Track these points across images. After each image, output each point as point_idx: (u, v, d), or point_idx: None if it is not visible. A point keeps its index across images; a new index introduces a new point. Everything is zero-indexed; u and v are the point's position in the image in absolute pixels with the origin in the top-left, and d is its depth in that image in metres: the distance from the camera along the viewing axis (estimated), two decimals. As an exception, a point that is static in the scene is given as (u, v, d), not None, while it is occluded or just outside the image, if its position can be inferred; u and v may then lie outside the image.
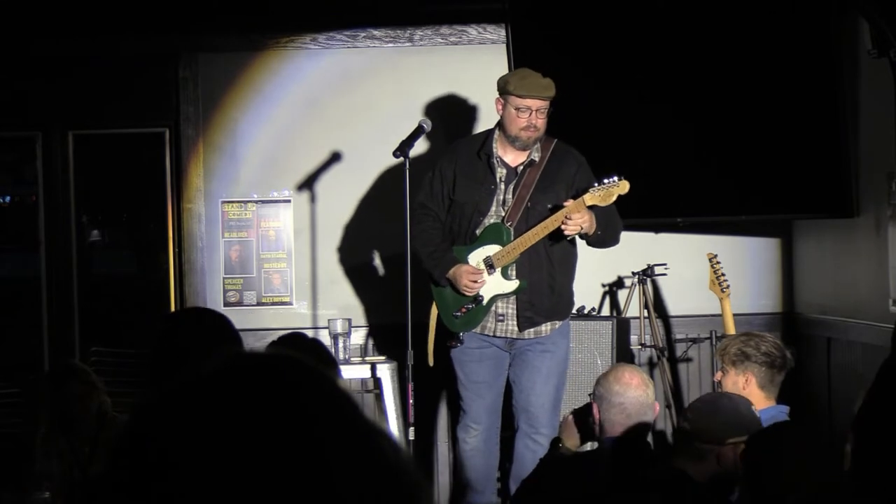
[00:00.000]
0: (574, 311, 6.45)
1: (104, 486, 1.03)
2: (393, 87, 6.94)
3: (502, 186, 5.53)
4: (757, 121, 6.30)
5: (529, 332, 5.54)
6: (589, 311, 6.50)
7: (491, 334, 5.57)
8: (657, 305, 6.85)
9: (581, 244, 5.67)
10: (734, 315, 6.21)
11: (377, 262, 6.91)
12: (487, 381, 5.61)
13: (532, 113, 5.42)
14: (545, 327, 5.55)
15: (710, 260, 6.28)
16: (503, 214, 5.51)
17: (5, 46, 6.89)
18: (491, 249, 5.50)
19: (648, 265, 6.62)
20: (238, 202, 7.00)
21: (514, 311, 5.52)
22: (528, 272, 5.49)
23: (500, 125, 5.56)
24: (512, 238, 5.47)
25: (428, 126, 5.68)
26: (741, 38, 6.28)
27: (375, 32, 6.96)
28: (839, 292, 6.42)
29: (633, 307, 6.67)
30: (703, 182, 6.42)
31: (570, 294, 5.65)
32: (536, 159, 5.52)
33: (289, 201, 6.99)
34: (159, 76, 6.99)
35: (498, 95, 5.53)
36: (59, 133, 7.07)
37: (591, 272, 6.92)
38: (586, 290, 6.84)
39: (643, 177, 6.37)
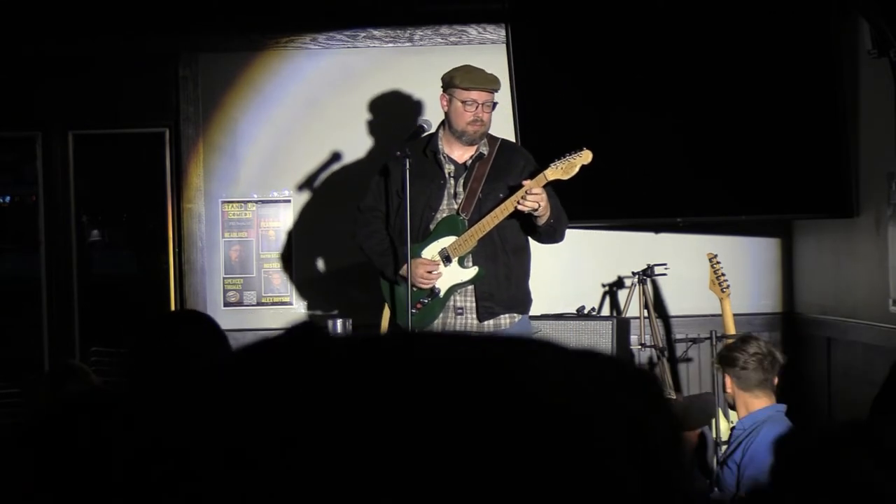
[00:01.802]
0: (574, 310, 6.46)
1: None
2: (393, 87, 6.94)
3: (451, 181, 5.49)
4: (757, 121, 6.30)
5: (489, 325, 5.44)
6: (589, 311, 6.50)
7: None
8: (657, 305, 6.85)
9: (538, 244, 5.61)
10: (734, 315, 6.21)
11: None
12: None
13: (478, 106, 5.39)
14: (504, 319, 5.45)
15: (710, 260, 6.29)
16: (456, 207, 5.46)
17: (5, 47, 6.90)
18: (446, 241, 5.45)
19: (648, 265, 6.61)
20: (238, 202, 7.00)
21: (473, 304, 5.44)
22: (485, 262, 5.42)
23: (444, 123, 5.54)
24: (467, 228, 5.43)
25: (428, 126, 5.67)
26: (741, 38, 6.28)
27: (375, 32, 6.96)
28: (839, 292, 6.42)
29: (633, 307, 6.67)
30: (703, 182, 6.42)
31: (527, 288, 5.55)
32: (485, 153, 5.49)
33: (289, 201, 6.99)
34: (159, 76, 7.00)
35: (442, 91, 5.50)
36: (59, 133, 7.08)
37: (591, 272, 6.92)
38: (586, 290, 6.85)
39: (643, 177, 6.38)
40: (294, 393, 0.91)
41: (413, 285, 5.43)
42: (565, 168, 5.26)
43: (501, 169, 5.48)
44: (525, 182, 5.26)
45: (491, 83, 5.43)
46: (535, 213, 5.25)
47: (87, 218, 8.08)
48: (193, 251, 6.99)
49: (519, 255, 5.51)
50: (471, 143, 5.47)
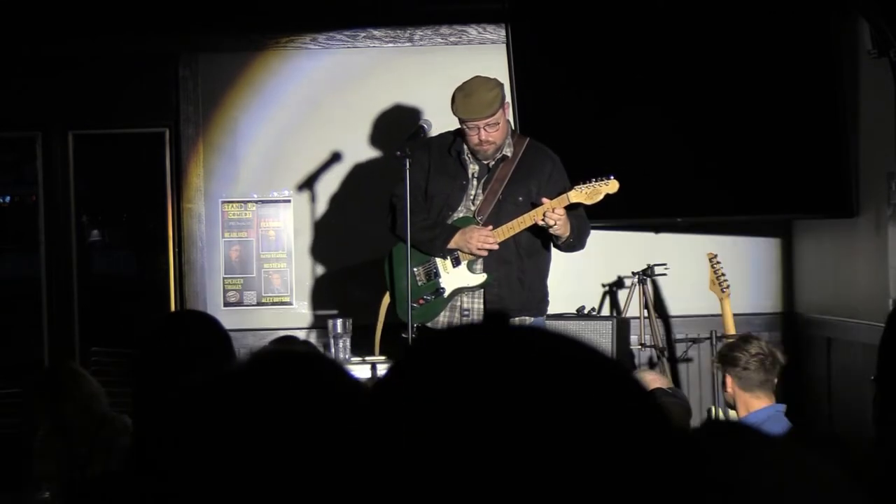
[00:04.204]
0: (574, 310, 6.46)
1: (126, 484, 1.03)
2: (393, 87, 6.94)
3: (474, 182, 5.48)
4: (757, 121, 6.30)
5: None
6: (589, 311, 6.50)
7: None
8: (657, 305, 6.85)
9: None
10: (734, 315, 6.21)
11: (377, 261, 6.90)
12: None
13: (480, 130, 5.35)
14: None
15: (710, 260, 6.28)
16: (473, 209, 5.45)
17: (6, 47, 6.90)
18: None
19: (648, 265, 6.61)
20: (238, 202, 7.00)
21: (481, 307, 5.43)
22: (497, 266, 5.41)
23: None
24: None
25: (428, 126, 5.66)
26: (742, 38, 6.28)
27: (375, 32, 6.96)
28: (839, 292, 6.42)
29: (633, 307, 6.67)
30: (703, 182, 6.42)
31: (543, 290, 5.54)
32: (509, 154, 5.47)
33: (289, 201, 6.99)
34: (159, 76, 6.99)
35: None
36: (59, 133, 7.07)
37: (591, 272, 6.92)
38: (586, 290, 6.84)
39: (643, 177, 6.38)
40: None
41: (467, 251, 5.36)
42: (590, 193, 5.27)
43: (526, 171, 5.45)
44: (545, 200, 5.26)
45: (485, 109, 5.32)
46: (553, 232, 5.25)
47: (87, 218, 8.08)
48: (193, 251, 6.99)
49: (535, 258, 5.49)
50: (486, 158, 5.45)
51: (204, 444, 1.00)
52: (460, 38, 6.95)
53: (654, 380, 4.26)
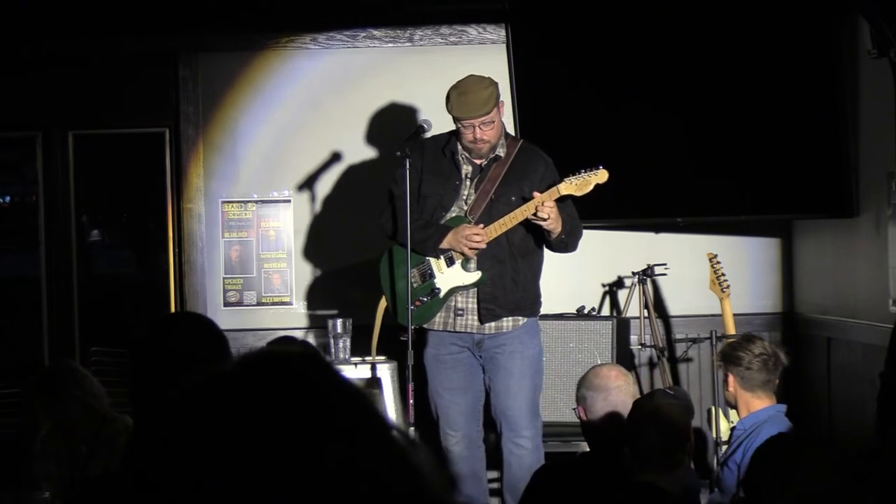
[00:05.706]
0: (574, 310, 6.46)
1: (121, 486, 1.04)
2: (393, 87, 6.94)
3: (467, 182, 5.48)
4: (757, 121, 6.30)
5: (490, 327, 5.42)
6: (589, 311, 6.50)
7: (452, 330, 5.49)
8: (657, 305, 6.85)
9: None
10: (734, 315, 6.21)
11: (377, 261, 6.90)
12: (462, 386, 5.51)
13: (474, 129, 5.35)
14: (507, 322, 5.43)
15: (710, 260, 6.29)
16: (465, 209, 5.45)
17: (5, 46, 6.90)
18: None
19: (648, 265, 6.62)
20: (238, 202, 7.00)
21: (475, 306, 5.42)
22: (490, 265, 5.40)
23: None
24: None
25: (428, 126, 5.66)
26: (742, 39, 6.28)
27: (375, 32, 6.96)
28: (839, 292, 6.42)
29: (633, 307, 6.67)
30: (702, 182, 6.42)
31: (536, 291, 5.53)
32: (502, 155, 5.46)
33: (289, 201, 6.99)
34: (159, 76, 7.00)
35: None
36: (59, 133, 7.07)
37: (591, 272, 6.92)
38: (586, 290, 6.85)
39: (643, 177, 6.38)
40: None
41: (458, 250, 5.37)
42: (579, 185, 5.26)
43: (519, 172, 5.45)
44: (536, 194, 5.26)
45: (481, 107, 5.33)
46: (545, 227, 5.24)
47: (87, 218, 8.08)
48: (193, 251, 6.99)
49: (528, 258, 5.48)
50: (480, 157, 5.46)
51: (193, 446, 1.00)
52: (460, 38, 6.95)
53: (616, 376, 4.22)
